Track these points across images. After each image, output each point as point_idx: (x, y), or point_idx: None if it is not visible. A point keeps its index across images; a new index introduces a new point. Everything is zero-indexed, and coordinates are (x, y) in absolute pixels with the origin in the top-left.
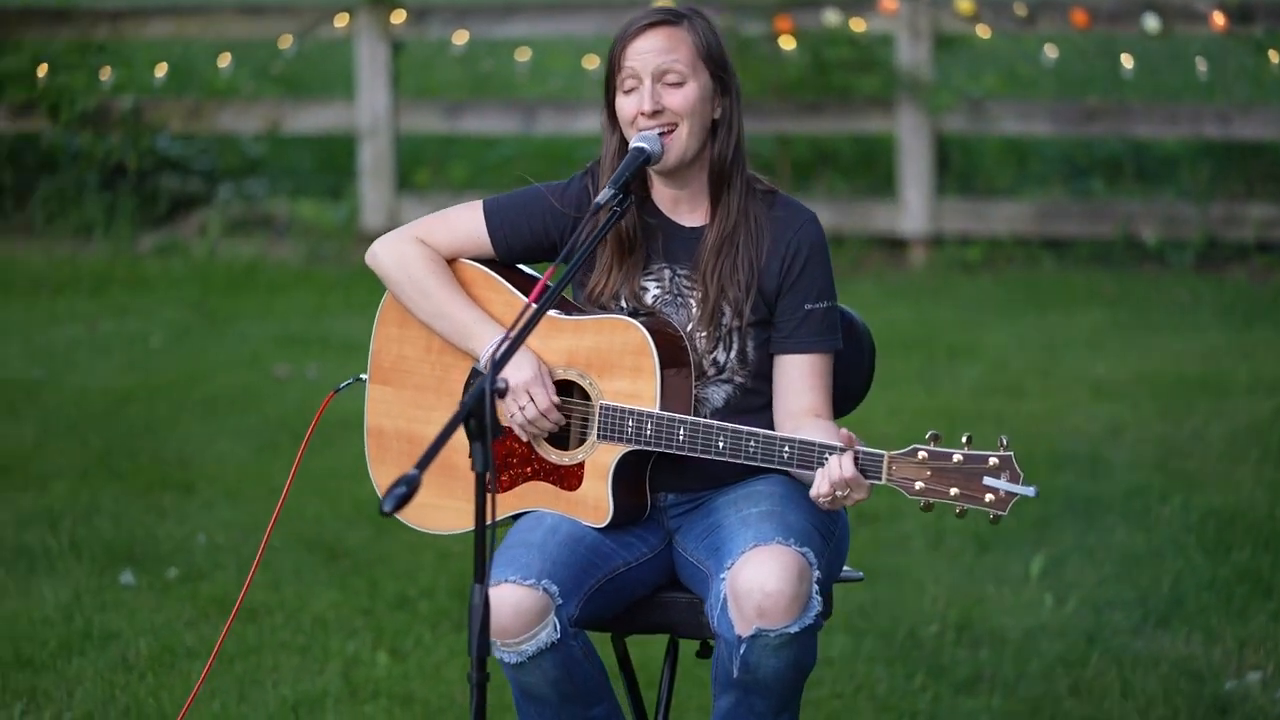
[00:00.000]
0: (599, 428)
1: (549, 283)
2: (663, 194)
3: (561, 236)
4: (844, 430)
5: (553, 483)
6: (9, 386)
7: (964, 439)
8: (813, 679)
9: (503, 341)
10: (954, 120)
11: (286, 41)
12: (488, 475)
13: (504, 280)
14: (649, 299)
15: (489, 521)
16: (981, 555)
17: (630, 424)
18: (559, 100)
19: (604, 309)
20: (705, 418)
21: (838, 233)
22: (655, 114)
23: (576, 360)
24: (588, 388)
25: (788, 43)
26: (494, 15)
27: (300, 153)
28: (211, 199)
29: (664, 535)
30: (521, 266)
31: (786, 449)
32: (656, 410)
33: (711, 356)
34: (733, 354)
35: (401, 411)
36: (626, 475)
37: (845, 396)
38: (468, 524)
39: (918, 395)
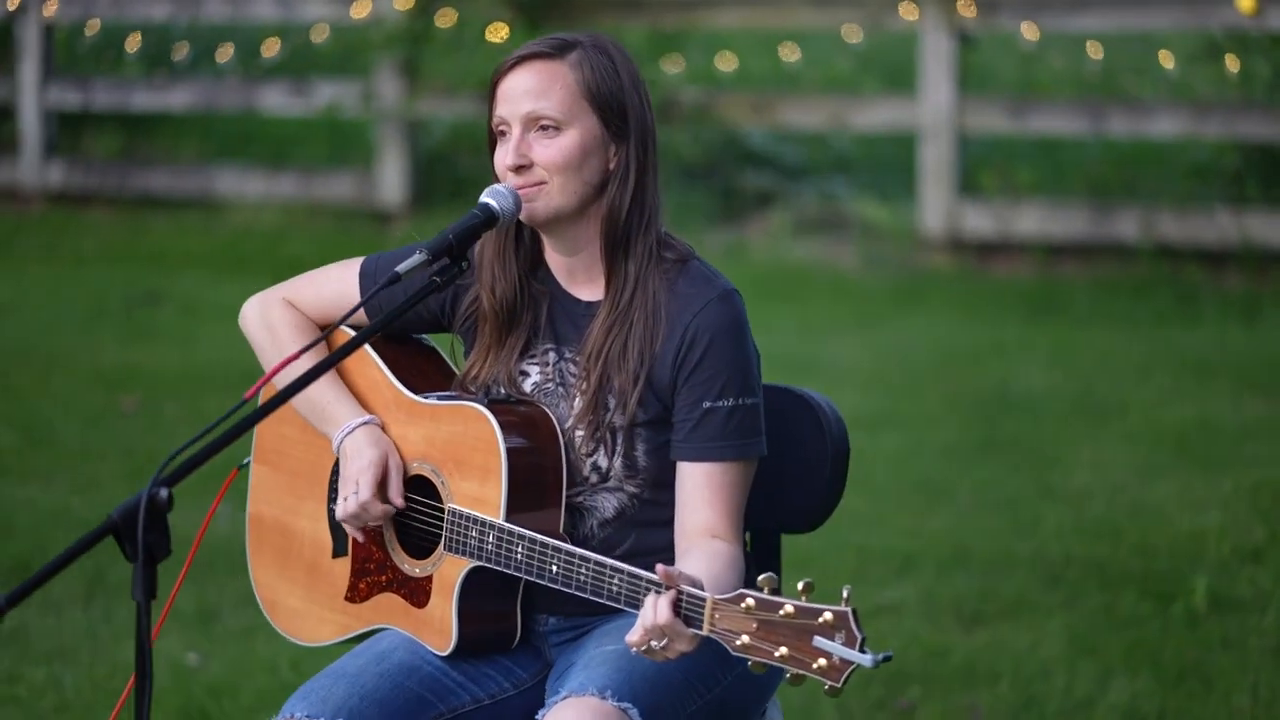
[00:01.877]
0: (446, 536)
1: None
2: (556, 260)
3: (444, 306)
4: (662, 567)
5: (404, 596)
6: None
7: (800, 585)
8: None
9: (231, 413)
10: None
11: (853, 33)
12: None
13: (376, 354)
14: (528, 386)
15: (313, 640)
16: None
17: (473, 534)
18: (1130, 100)
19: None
20: (595, 527)
21: None
22: (520, 169)
23: (432, 453)
24: (440, 487)
25: None
26: (1065, 7)
27: (864, 149)
28: (786, 197)
29: (543, 666)
30: (423, 337)
31: (615, 581)
32: (499, 520)
33: (591, 460)
34: (617, 459)
35: (278, 499)
36: (479, 594)
37: (799, 513)
38: (336, 634)
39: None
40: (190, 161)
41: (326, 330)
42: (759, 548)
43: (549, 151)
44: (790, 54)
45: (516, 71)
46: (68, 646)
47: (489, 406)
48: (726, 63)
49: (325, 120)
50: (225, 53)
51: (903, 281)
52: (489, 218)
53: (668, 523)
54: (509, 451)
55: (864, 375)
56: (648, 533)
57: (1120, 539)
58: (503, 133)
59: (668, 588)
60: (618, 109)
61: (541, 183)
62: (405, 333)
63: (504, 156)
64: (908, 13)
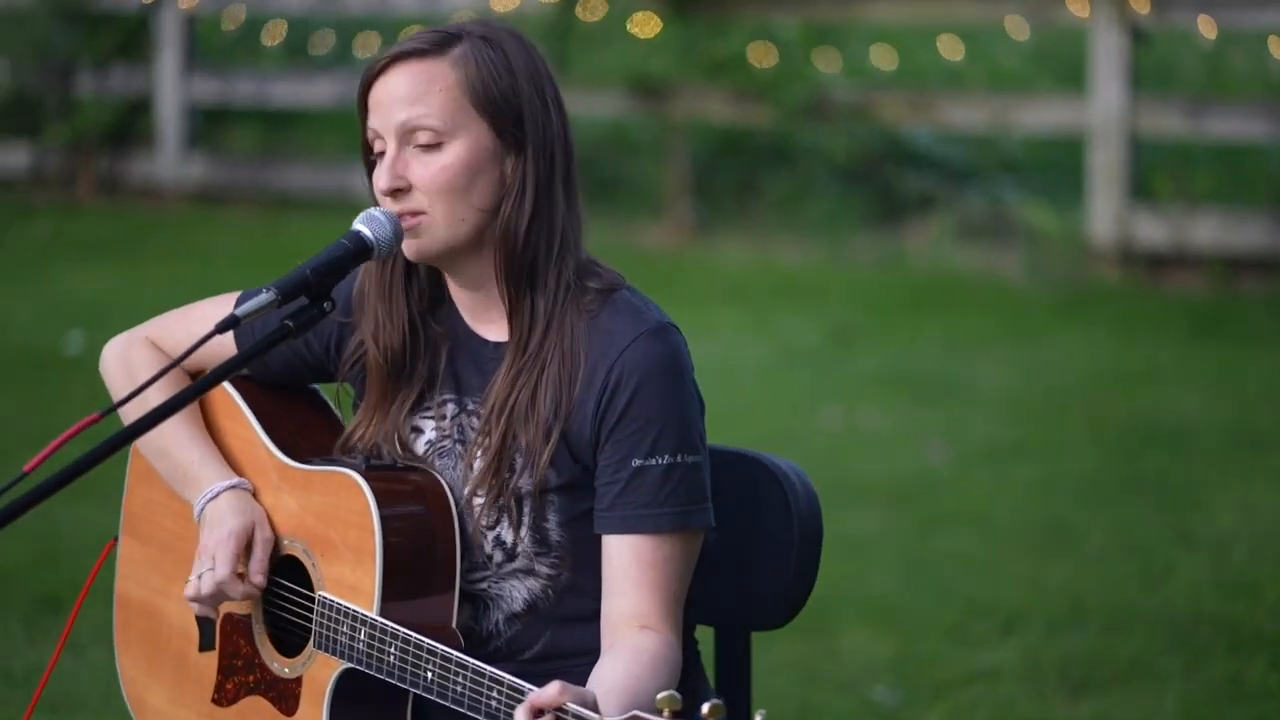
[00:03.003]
0: (315, 631)
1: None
2: (459, 294)
3: (328, 350)
4: (557, 684)
5: (272, 701)
6: None
7: (706, 708)
8: None
9: None
10: None
11: (1019, 28)
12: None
13: (249, 409)
14: (421, 445)
15: None
16: None
17: (344, 629)
18: None
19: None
20: (501, 623)
21: None
22: (397, 193)
23: (303, 528)
24: (310, 570)
25: None
26: (1246, 2)
27: (1032, 151)
28: (948, 200)
29: None
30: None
31: (495, 695)
32: (371, 614)
33: (494, 534)
34: (524, 532)
35: (145, 577)
36: (355, 701)
37: (767, 599)
38: None
39: None
40: (330, 158)
41: (166, 368)
42: (725, 649)
43: (428, 171)
44: (951, 49)
45: (388, 74)
46: (78, 692)
47: (367, 472)
48: (884, 58)
49: None
50: (366, 45)
51: (1065, 294)
52: (360, 249)
53: (595, 616)
54: (386, 527)
55: (1004, 398)
56: (567, 630)
57: (1259, 596)
58: (380, 150)
59: (537, 712)
60: (511, 112)
61: (421, 212)
62: (295, 382)
63: (377, 178)
64: (1076, 6)
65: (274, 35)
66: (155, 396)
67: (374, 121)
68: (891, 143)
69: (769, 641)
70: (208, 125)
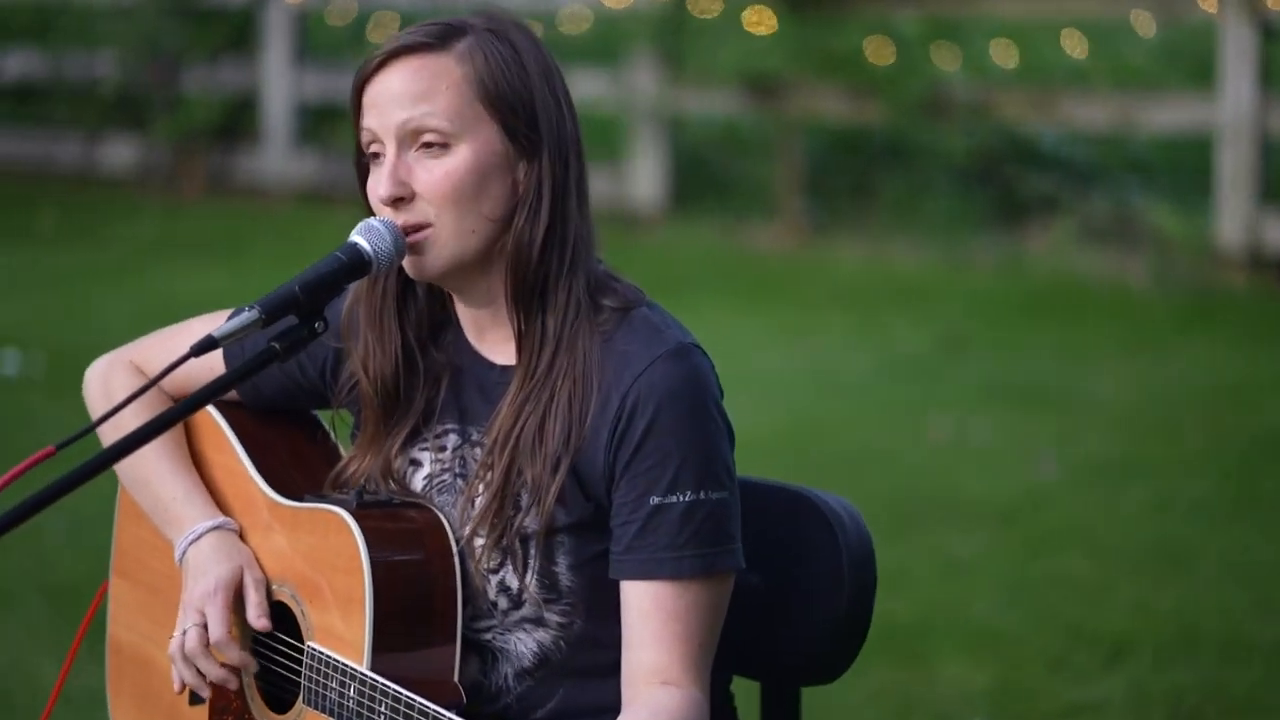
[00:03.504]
0: (304, 685)
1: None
2: (464, 312)
3: (323, 374)
4: None
5: None
6: None
7: None
8: None
9: None
10: None
11: (1145, 24)
12: None
13: (236, 439)
14: (418, 480)
15: None
16: None
17: (334, 684)
18: None
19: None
20: (510, 678)
21: None
22: (398, 202)
23: (292, 571)
24: (300, 619)
25: None
26: None
27: (1161, 152)
28: (1072, 202)
29: None
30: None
31: None
32: (361, 668)
33: (497, 579)
34: (530, 577)
35: (135, 622)
36: None
37: (816, 651)
38: None
39: None
40: None
41: (139, 391)
42: (771, 705)
43: (434, 176)
44: (1076, 46)
45: (387, 71)
46: None
47: (357, 510)
48: (1005, 54)
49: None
50: None
51: (1191, 301)
52: (356, 263)
53: (613, 670)
54: (376, 572)
55: (1120, 411)
56: (583, 686)
57: None
58: (375, 154)
59: None
60: (525, 112)
61: (427, 225)
62: (291, 408)
63: (375, 185)
64: (1205, 2)
65: (383, 29)
66: (135, 424)
67: (370, 121)
68: (1012, 142)
69: (861, 668)
70: (316, 122)
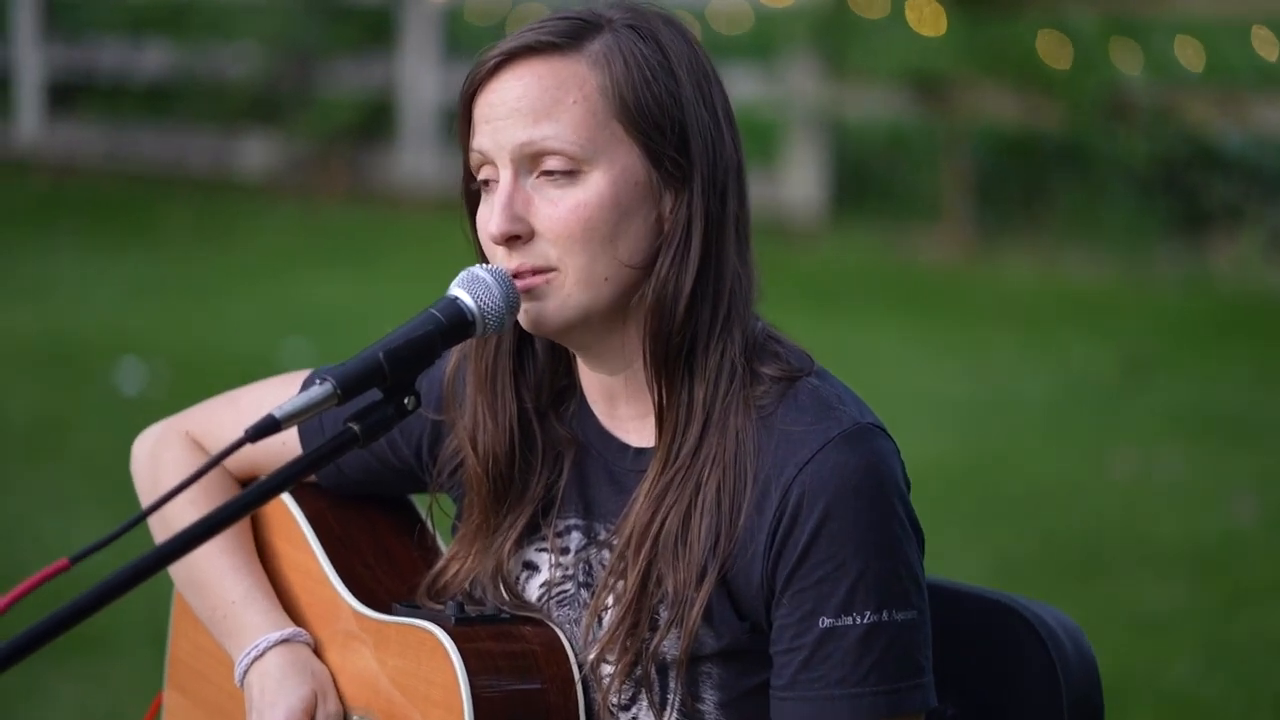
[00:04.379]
0: None
1: None
2: (591, 380)
3: (418, 452)
4: None
5: None
6: None
7: None
8: None
9: None
10: None
11: None
12: None
13: (311, 528)
14: (534, 589)
15: None
16: None
17: None
18: None
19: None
20: None
21: None
22: (513, 241)
23: (377, 699)
24: None
25: None
26: None
27: None
28: (1262, 212)
29: None
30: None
31: None
32: None
33: (629, 717)
34: (670, 716)
35: None
36: None
37: None
38: None
39: None
40: None
41: (187, 481)
42: None
43: (559, 211)
44: (1266, 46)
45: (503, 77)
46: None
47: (456, 627)
48: (1190, 54)
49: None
50: None
51: None
52: (456, 324)
53: None
54: (479, 705)
55: None
56: None
57: None
58: (487, 181)
59: None
60: (674, 132)
61: (550, 269)
62: (380, 493)
63: (485, 219)
64: None
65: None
66: (188, 513)
67: (482, 141)
68: (1197, 147)
69: None
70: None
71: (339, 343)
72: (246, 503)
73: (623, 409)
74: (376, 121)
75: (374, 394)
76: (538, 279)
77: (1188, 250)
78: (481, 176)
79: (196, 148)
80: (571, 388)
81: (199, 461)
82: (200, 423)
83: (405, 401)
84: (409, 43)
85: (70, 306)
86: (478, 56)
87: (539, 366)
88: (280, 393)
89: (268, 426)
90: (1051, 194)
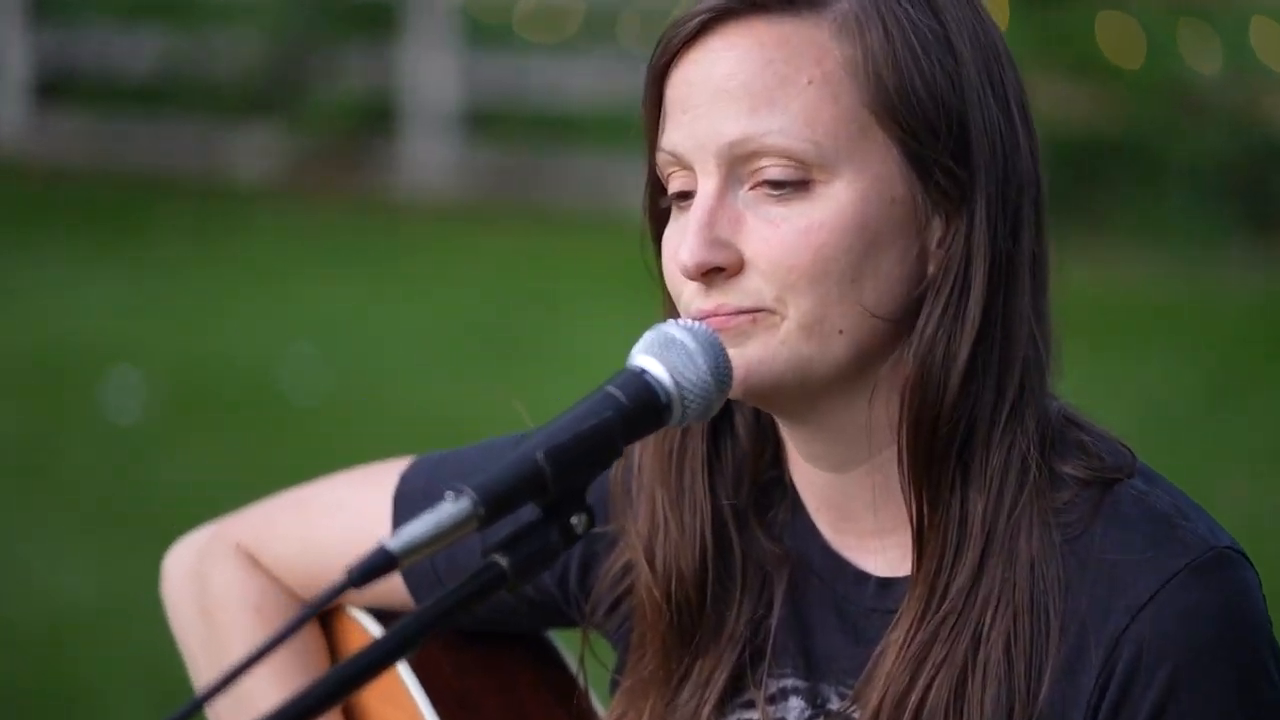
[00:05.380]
0: None
1: None
2: (808, 476)
3: (565, 579)
4: None
5: None
6: None
7: None
8: None
9: None
10: None
11: None
12: None
13: (416, 682)
14: None
15: None
16: None
17: None
18: None
19: None
20: None
21: None
22: (713, 275)
23: None
24: None
25: None
26: None
27: None
28: None
29: None
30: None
31: None
32: None
33: None
34: None
35: None
36: None
37: None
38: None
39: None
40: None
41: (296, 622)
42: None
43: (781, 236)
44: None
45: (709, 45)
46: None
47: None
48: (1266, 46)
49: None
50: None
51: None
52: (646, 410)
53: None
54: None
55: None
56: None
57: None
58: (683, 194)
59: None
60: (951, 130)
61: (765, 310)
62: (508, 630)
63: (675, 244)
64: None
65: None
66: (262, 689)
67: (676, 137)
68: (1273, 146)
69: None
70: (474, 124)
71: (347, 351)
72: (347, 679)
73: (859, 521)
74: (380, 117)
75: (528, 511)
76: (741, 318)
77: (1269, 258)
78: (674, 188)
79: (192, 145)
80: (780, 484)
81: (259, 585)
82: (257, 532)
83: (572, 522)
84: (414, 33)
85: (57, 316)
86: (673, 17)
87: (738, 450)
88: (363, 495)
89: (379, 565)
90: (1114, 195)
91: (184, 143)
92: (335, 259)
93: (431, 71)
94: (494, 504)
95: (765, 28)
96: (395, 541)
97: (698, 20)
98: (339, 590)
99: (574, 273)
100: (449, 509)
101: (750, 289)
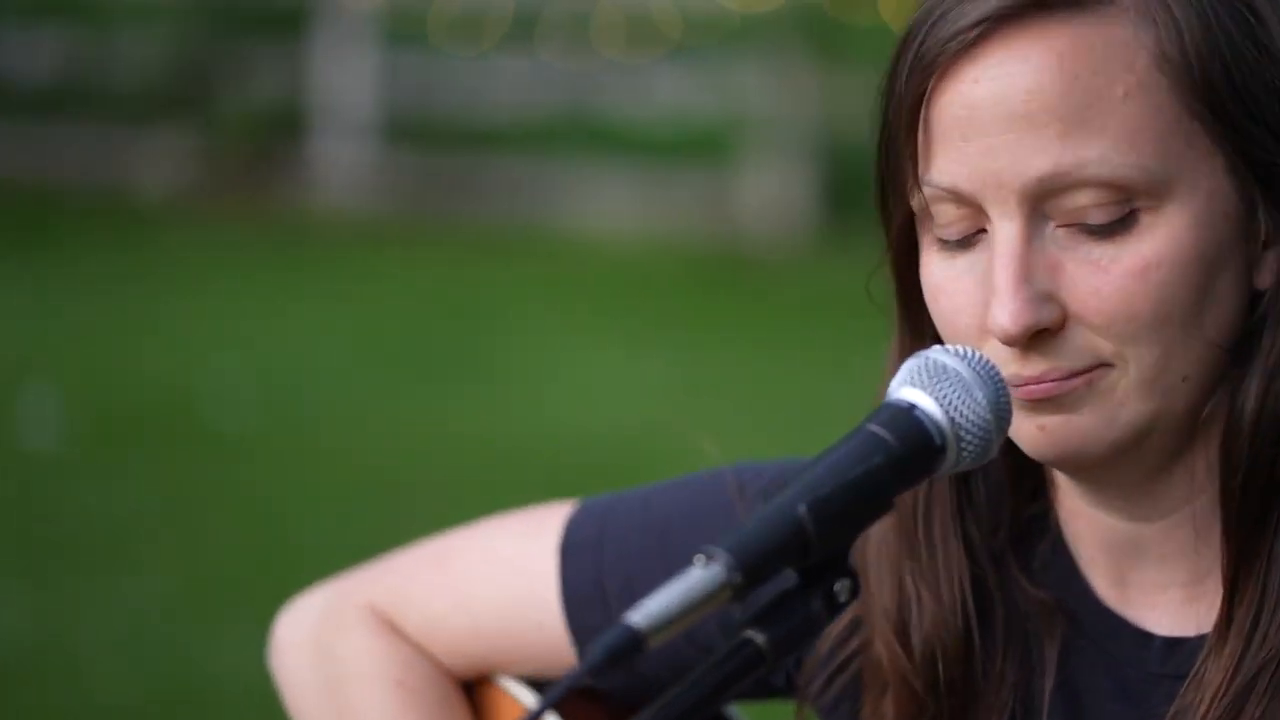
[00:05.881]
0: None
1: None
2: (1088, 526)
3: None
4: None
5: None
6: None
7: None
8: None
9: None
10: None
11: None
12: None
13: None
14: None
15: None
16: None
17: None
18: None
19: None
20: None
21: None
22: (1038, 338)
23: None
24: None
25: None
26: None
27: None
28: None
29: None
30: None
31: None
32: None
33: None
34: None
35: None
36: None
37: None
38: None
39: None
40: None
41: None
42: None
43: (1115, 282)
44: None
45: (990, 58)
46: None
47: None
48: None
49: None
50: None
51: None
52: (919, 453)
53: None
54: None
55: None
56: None
57: None
58: (964, 240)
59: None
60: (1275, 122)
61: (1103, 365)
62: (646, 694)
63: (969, 298)
64: None
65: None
66: None
67: (956, 171)
68: None
69: None
70: (390, 132)
71: (267, 369)
72: None
73: (1143, 573)
74: (290, 122)
75: (786, 578)
76: (1075, 380)
77: None
78: (947, 232)
79: (94, 152)
80: (1041, 521)
81: (401, 655)
82: (394, 593)
83: (835, 588)
84: (326, 36)
85: None
86: (926, 20)
87: (991, 487)
88: (520, 547)
89: (625, 647)
90: None
91: (85, 150)
92: (248, 273)
93: (344, 75)
94: (752, 570)
95: (1059, 32)
96: (641, 617)
97: (976, 29)
98: (576, 679)
99: (493, 282)
100: (700, 576)
101: (1082, 346)
